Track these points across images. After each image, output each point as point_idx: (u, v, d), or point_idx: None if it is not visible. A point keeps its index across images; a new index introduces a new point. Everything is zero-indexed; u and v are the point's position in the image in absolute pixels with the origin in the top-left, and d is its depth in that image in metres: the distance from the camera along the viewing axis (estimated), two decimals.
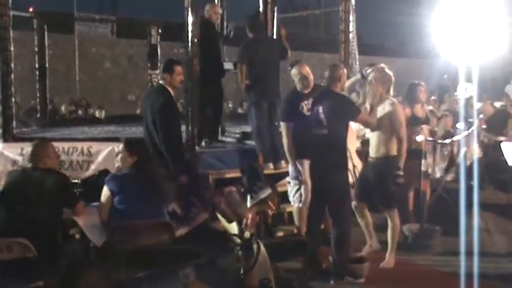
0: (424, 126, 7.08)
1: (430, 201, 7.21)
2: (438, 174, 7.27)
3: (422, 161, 6.81)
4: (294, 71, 6.14)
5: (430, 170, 7.07)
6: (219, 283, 3.52)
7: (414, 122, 6.96)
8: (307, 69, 6.17)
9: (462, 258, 5.71)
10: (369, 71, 6.01)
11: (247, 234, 3.91)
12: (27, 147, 5.15)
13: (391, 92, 6.07)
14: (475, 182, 6.87)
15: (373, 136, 6.06)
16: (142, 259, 3.97)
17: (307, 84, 6.08)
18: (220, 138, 8.05)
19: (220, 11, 7.82)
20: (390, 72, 6.04)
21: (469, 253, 5.82)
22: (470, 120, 8.84)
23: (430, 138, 7.18)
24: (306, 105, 6.02)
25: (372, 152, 6.06)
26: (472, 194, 6.55)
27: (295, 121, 6.02)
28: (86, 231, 5.05)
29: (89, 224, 5.06)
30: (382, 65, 6.13)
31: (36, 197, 4.66)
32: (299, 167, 6.10)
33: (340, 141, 5.63)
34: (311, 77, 6.17)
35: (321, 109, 5.59)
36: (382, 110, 5.90)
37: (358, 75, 6.39)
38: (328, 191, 5.61)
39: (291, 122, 6.06)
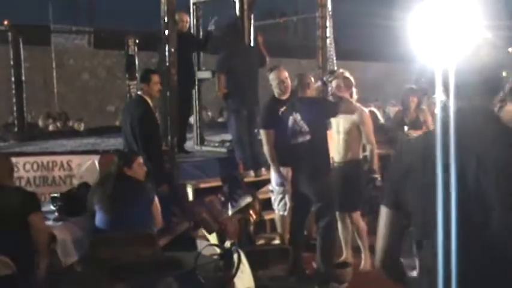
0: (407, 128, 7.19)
1: None
2: None
3: None
4: (272, 76, 6.09)
5: None
6: None
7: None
8: (285, 74, 6.15)
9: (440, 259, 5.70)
10: (330, 78, 6.05)
11: (227, 243, 3.89)
12: None
13: (354, 95, 6.12)
14: (452, 182, 6.89)
15: (338, 141, 6.05)
16: (122, 271, 3.92)
17: (285, 89, 6.02)
18: (198, 147, 8.07)
19: (188, 19, 7.76)
20: (351, 77, 6.11)
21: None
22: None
23: None
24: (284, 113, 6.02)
25: (338, 156, 6.06)
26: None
27: (276, 128, 6.00)
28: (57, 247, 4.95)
29: (61, 239, 4.95)
30: (342, 70, 6.19)
31: (2, 215, 4.57)
32: (283, 172, 6.07)
33: (324, 145, 5.66)
34: (289, 82, 6.14)
35: (298, 116, 5.60)
36: (349, 116, 5.94)
37: (319, 83, 6.41)
38: (313, 197, 5.61)
39: (272, 129, 6.03)
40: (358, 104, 6.07)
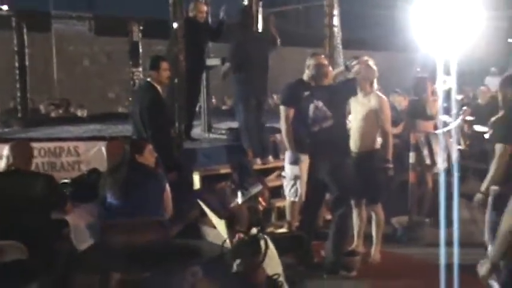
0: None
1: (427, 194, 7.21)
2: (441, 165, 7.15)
3: (411, 154, 6.87)
4: (311, 59, 6.00)
5: (428, 161, 7.07)
6: (226, 281, 3.50)
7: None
8: (325, 61, 6.11)
9: (442, 249, 5.68)
10: (353, 63, 5.97)
11: (254, 230, 3.88)
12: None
13: (375, 85, 6.07)
14: (454, 173, 6.87)
15: (355, 130, 5.99)
16: (143, 258, 3.92)
17: (318, 75, 5.87)
18: (205, 135, 8.09)
19: (205, 9, 7.73)
20: (374, 67, 6.00)
21: (460, 244, 5.84)
22: (453, 112, 8.88)
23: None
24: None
25: (355, 146, 5.98)
26: (459, 185, 6.58)
27: (295, 109, 5.93)
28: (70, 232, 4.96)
29: (74, 224, 4.97)
30: (366, 57, 6.10)
31: (23, 201, 4.57)
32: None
33: (345, 130, 5.72)
34: (328, 71, 6.06)
35: (320, 103, 5.57)
36: (367, 103, 5.89)
37: (342, 67, 6.37)
38: (332, 185, 5.60)
39: (292, 107, 5.96)
40: (378, 92, 5.99)
